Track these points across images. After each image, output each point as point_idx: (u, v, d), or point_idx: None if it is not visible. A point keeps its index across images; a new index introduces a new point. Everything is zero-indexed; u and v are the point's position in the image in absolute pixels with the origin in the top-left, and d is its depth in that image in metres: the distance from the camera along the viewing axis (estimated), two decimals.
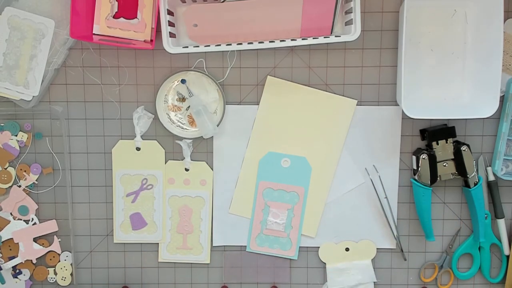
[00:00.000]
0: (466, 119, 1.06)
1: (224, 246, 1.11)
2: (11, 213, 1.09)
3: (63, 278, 1.11)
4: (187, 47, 1.00)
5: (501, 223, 1.08)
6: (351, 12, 0.97)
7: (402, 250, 1.10)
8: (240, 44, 1.00)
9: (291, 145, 1.07)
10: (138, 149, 1.08)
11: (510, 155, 1.07)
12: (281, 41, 1.00)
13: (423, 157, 1.03)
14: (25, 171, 1.07)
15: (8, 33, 1.01)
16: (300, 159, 1.07)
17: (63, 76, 1.06)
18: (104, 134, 1.08)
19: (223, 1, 1.00)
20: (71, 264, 1.11)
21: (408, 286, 1.12)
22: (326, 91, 1.06)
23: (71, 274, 1.11)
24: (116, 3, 1.02)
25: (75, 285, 1.12)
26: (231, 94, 1.06)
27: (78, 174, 1.09)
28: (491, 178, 1.07)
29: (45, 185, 1.09)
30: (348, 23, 0.99)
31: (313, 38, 0.99)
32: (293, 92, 1.06)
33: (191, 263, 1.11)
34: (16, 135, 1.07)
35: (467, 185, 1.05)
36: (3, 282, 1.10)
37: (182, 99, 1.07)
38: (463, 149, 1.03)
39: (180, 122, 1.07)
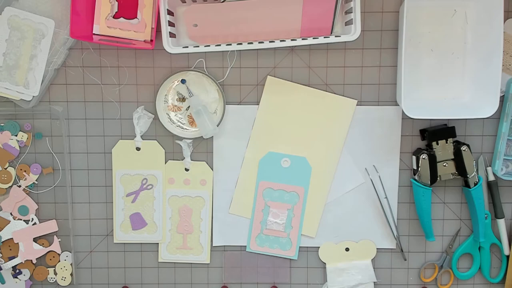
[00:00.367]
0: (466, 119, 1.06)
1: (224, 246, 1.11)
2: (11, 213, 1.09)
3: (63, 278, 1.11)
4: (187, 47, 1.00)
5: (501, 223, 1.08)
6: (351, 12, 0.97)
7: (402, 250, 1.10)
8: (240, 44, 1.00)
9: (291, 145, 1.07)
10: (138, 149, 1.08)
11: (510, 155, 1.07)
12: (281, 41, 1.00)
13: (423, 157, 1.03)
14: (25, 171, 1.07)
15: (8, 33, 1.01)
16: (300, 159, 1.07)
17: (63, 76, 1.06)
18: (104, 134, 1.08)
19: (223, 1, 1.00)
20: (71, 264, 1.11)
21: (408, 286, 1.12)
22: (326, 91, 1.06)
23: (71, 274, 1.11)
24: (116, 3, 1.02)
25: (75, 285, 1.12)
26: (231, 94, 1.06)
27: (78, 174, 1.09)
28: (491, 178, 1.07)
29: (45, 185, 1.09)
30: (348, 23, 0.99)
31: (313, 38, 0.99)
32: (293, 92, 1.06)
33: (191, 263, 1.11)
34: (16, 135, 1.07)
35: (467, 185, 1.05)
36: (3, 282, 1.10)
37: (182, 99, 1.07)
38: (463, 149, 1.03)
39: (180, 122, 1.07)
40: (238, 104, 1.07)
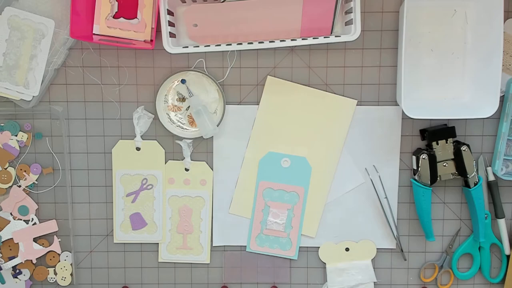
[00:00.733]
0: (466, 119, 1.06)
1: (224, 246, 1.11)
2: (11, 213, 1.09)
3: (63, 278, 1.11)
4: (187, 47, 1.00)
5: (501, 223, 1.08)
6: (351, 12, 0.97)
7: (402, 250, 1.10)
8: (240, 44, 1.00)
9: (291, 145, 1.07)
10: (138, 149, 1.08)
11: (510, 155, 1.07)
12: (281, 41, 1.00)
13: (423, 157, 1.03)
14: (25, 171, 1.07)
15: (8, 33, 1.01)
16: (300, 159, 1.07)
17: (63, 76, 1.06)
18: (104, 134, 1.08)
19: (223, 1, 1.00)
20: (71, 264, 1.11)
21: (408, 286, 1.12)
22: (326, 91, 1.06)
23: (71, 274, 1.11)
24: (116, 3, 1.02)
25: (75, 285, 1.12)
26: (231, 94, 1.06)
27: (78, 174, 1.09)
28: (491, 178, 1.07)
29: (45, 185, 1.09)
30: (348, 23, 0.99)
31: (313, 38, 0.99)
32: (293, 92, 1.06)
33: (191, 263, 1.11)
34: (16, 135, 1.07)
35: (467, 185, 1.05)
36: (3, 282, 1.10)
37: (182, 99, 1.07)
38: (463, 149, 1.03)
39: (180, 122, 1.07)
40: (238, 104, 1.07)
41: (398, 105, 1.05)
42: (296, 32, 1.02)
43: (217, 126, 1.05)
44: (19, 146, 1.07)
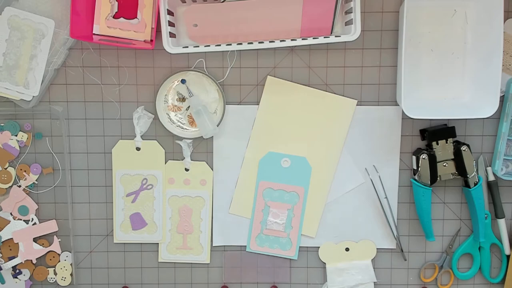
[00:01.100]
0: (466, 119, 1.06)
1: (224, 246, 1.11)
2: (11, 213, 1.09)
3: (63, 278, 1.11)
4: (187, 47, 1.00)
5: (501, 223, 1.08)
6: (351, 12, 0.97)
7: (402, 250, 1.10)
8: (240, 44, 1.00)
9: (291, 145, 1.07)
10: (138, 149, 1.08)
11: (510, 155, 1.07)
12: (281, 41, 1.00)
13: (423, 157, 1.03)
14: (25, 171, 1.07)
15: (8, 33, 1.01)
16: (300, 159, 1.07)
17: (63, 76, 1.06)
18: (104, 134, 1.08)
19: (223, 1, 1.00)
20: (71, 264, 1.11)
21: (408, 286, 1.12)
22: (326, 91, 1.06)
23: (71, 274, 1.11)
24: (116, 3, 1.02)
25: (75, 285, 1.12)
26: (231, 94, 1.06)
27: (78, 174, 1.09)
28: (491, 178, 1.07)
29: (45, 185, 1.09)
30: (348, 23, 0.99)
31: (313, 38, 0.99)
32: (293, 92, 1.06)
33: (191, 263, 1.11)
34: (16, 135, 1.07)
35: (467, 185, 1.05)
36: (3, 282, 1.10)
37: (182, 99, 1.07)
38: (463, 149, 1.03)
39: (180, 122, 1.07)
40: (238, 104, 1.07)
41: (398, 105, 1.05)
42: (296, 32, 1.02)
43: (217, 126, 1.05)
44: (19, 146, 1.07)
